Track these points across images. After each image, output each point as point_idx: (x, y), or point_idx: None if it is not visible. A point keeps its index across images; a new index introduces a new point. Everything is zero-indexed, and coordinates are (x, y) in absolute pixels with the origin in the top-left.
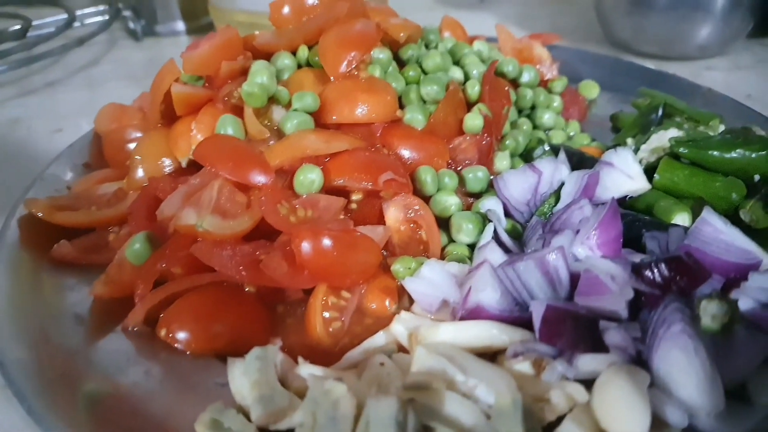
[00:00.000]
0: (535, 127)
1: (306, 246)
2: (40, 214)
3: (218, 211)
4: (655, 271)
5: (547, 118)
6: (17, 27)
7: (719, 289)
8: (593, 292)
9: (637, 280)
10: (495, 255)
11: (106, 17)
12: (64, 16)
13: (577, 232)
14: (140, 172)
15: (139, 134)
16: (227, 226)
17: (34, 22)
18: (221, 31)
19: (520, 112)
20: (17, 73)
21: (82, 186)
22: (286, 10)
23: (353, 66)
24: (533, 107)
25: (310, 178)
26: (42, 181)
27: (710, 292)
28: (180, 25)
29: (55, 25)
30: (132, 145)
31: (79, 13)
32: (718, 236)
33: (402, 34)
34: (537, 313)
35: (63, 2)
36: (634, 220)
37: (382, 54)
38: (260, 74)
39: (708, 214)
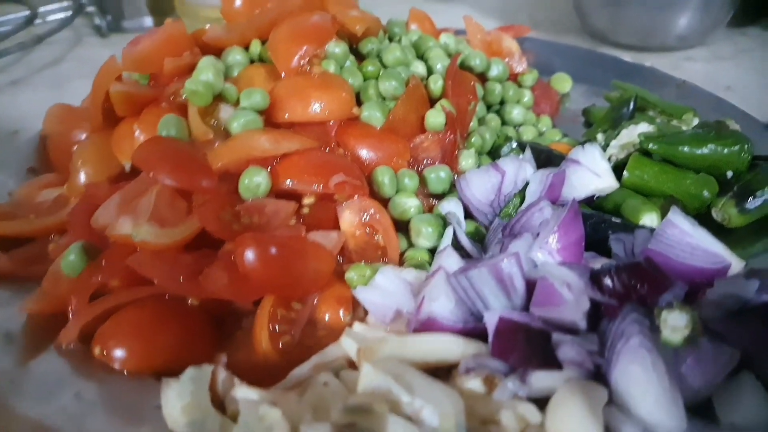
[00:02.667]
0: (504, 123)
1: (249, 255)
2: None
3: (156, 219)
4: (614, 278)
5: (516, 113)
6: None
7: (684, 296)
8: (549, 302)
9: (594, 289)
10: (451, 261)
11: (69, 13)
12: (26, 12)
13: (538, 235)
14: (82, 177)
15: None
16: (166, 235)
17: None
18: (166, 26)
19: (488, 107)
20: None
21: (23, 192)
22: (237, 2)
23: (305, 61)
24: (502, 102)
25: (255, 181)
26: None
27: (671, 301)
28: (148, 21)
29: (16, 21)
30: None
31: (41, 9)
32: (684, 239)
33: (358, 27)
34: (491, 324)
35: None
36: (600, 222)
37: (337, 48)
38: (206, 71)
39: (674, 215)
